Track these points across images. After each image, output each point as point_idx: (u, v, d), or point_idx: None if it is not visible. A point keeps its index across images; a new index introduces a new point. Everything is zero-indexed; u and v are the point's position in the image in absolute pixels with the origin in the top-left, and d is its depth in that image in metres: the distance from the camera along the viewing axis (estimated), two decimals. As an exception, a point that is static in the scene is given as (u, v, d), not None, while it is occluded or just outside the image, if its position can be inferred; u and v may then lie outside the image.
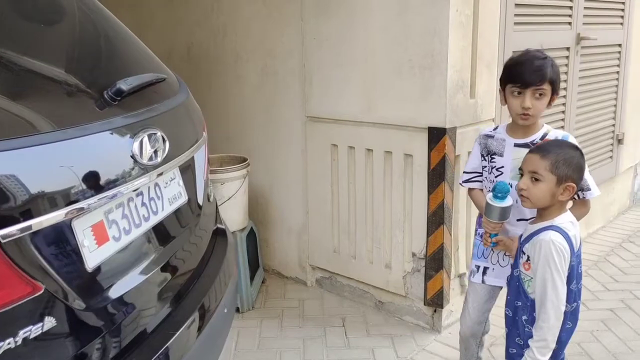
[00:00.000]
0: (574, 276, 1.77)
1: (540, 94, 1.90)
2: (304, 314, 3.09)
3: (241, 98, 3.54)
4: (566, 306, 1.76)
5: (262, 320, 3.02)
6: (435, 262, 2.79)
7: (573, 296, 1.80)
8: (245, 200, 3.17)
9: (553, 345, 1.74)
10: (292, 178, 3.37)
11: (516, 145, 1.99)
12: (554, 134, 1.98)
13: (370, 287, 3.11)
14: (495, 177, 2.04)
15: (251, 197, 3.33)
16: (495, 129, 2.10)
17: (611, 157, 4.22)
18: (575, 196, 1.91)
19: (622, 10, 4.04)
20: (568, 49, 3.53)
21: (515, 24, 3.04)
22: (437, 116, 2.68)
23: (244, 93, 3.52)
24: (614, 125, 4.18)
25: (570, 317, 1.81)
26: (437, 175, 2.72)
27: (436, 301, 2.81)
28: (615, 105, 4.16)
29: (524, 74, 1.88)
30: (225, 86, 3.60)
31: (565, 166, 1.72)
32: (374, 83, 2.89)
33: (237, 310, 3.08)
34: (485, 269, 2.14)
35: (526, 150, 1.87)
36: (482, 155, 2.10)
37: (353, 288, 3.20)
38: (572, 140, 1.94)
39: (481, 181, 2.14)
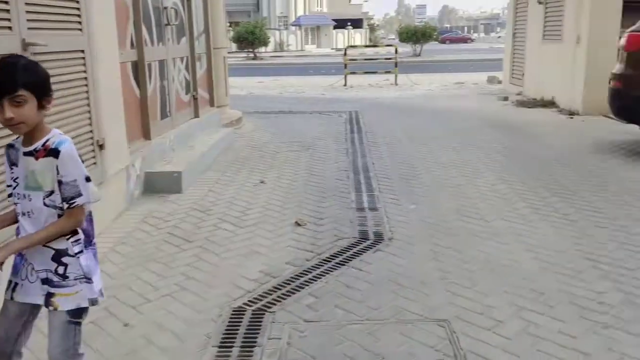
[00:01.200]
0: None
1: (19, 102, 1.78)
2: None
3: None
4: None
5: None
6: None
7: None
8: None
9: None
10: None
11: (25, 154, 1.93)
12: (55, 139, 1.91)
13: None
14: (13, 188, 1.97)
15: None
16: (18, 138, 1.97)
17: (95, 162, 4.22)
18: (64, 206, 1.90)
19: (79, 16, 4.03)
20: (14, 55, 3.24)
21: None
22: None
23: None
24: (92, 131, 4.18)
25: None
26: None
27: None
28: (90, 112, 4.16)
29: None
30: None
31: None
32: None
33: None
34: (16, 284, 2.02)
35: (32, 158, 1.89)
36: (10, 167, 1.99)
37: None
38: (67, 145, 1.89)
39: None
